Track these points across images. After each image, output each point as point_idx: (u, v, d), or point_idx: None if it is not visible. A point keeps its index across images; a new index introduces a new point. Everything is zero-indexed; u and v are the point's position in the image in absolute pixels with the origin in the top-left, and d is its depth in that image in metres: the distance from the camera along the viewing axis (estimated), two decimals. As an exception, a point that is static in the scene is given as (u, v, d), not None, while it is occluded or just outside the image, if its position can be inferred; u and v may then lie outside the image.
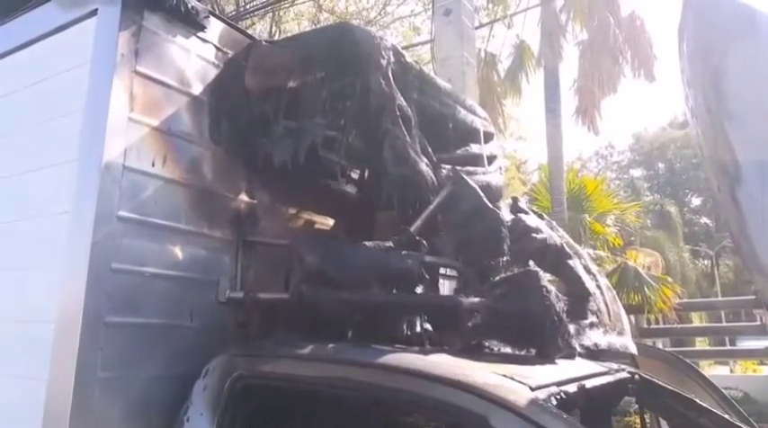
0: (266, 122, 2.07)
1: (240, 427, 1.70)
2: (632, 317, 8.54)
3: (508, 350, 1.90)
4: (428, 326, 2.12)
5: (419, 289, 1.97)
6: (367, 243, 2.03)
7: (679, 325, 9.54)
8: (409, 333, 2.06)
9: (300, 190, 2.28)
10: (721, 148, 1.56)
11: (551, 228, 2.64)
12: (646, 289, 8.39)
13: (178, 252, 1.93)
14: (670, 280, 9.33)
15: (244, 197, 2.18)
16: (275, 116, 2.07)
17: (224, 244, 2.10)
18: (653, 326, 9.13)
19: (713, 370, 12.17)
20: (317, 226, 2.46)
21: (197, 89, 2.05)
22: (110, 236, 1.74)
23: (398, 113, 2.09)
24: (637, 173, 37.41)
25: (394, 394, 1.51)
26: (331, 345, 1.75)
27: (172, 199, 1.91)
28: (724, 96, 1.70)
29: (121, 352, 1.74)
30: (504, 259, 2.02)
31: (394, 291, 1.91)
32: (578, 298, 2.22)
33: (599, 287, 2.51)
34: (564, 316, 1.84)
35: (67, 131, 1.85)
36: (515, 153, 23.23)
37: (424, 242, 2.04)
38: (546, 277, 1.89)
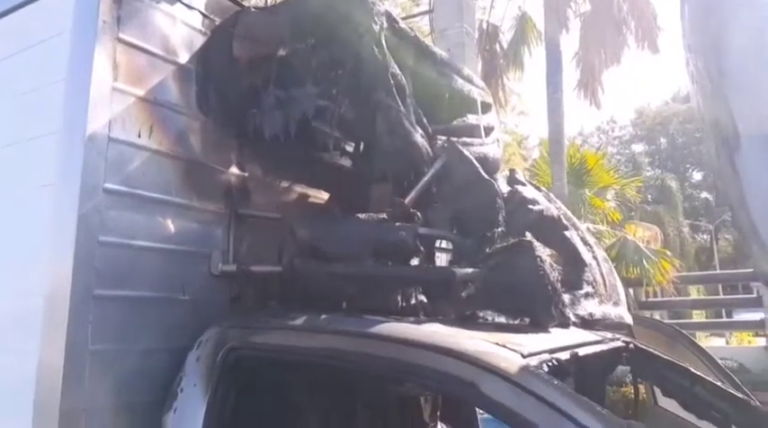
0: (256, 92, 2.03)
1: (233, 398, 1.70)
2: (631, 290, 8.59)
3: (502, 320, 1.89)
4: (422, 298, 2.11)
5: (414, 262, 1.96)
6: (360, 215, 2.01)
7: (677, 298, 9.59)
8: (403, 304, 2.05)
9: (293, 162, 2.25)
10: (721, 115, 1.52)
11: (548, 200, 2.60)
12: (645, 262, 8.42)
13: (168, 225, 1.91)
14: (669, 253, 9.35)
15: (235, 169, 2.14)
16: (265, 86, 2.02)
17: (215, 217, 2.07)
18: (651, 299, 9.18)
19: (709, 342, 12.27)
20: (310, 199, 2.43)
21: (183, 58, 2.00)
22: (96, 208, 1.71)
23: (392, 82, 2.05)
24: (638, 148, 37.20)
25: (386, 363, 1.50)
26: (323, 316, 1.74)
27: (160, 171, 1.88)
28: (725, 61, 1.65)
29: (112, 326, 1.73)
30: (500, 230, 2.00)
31: (388, 264, 1.89)
32: (574, 269, 2.20)
33: (595, 258, 2.49)
34: (558, 285, 1.82)
35: (50, 102, 1.80)
36: (517, 128, 23.09)
37: (419, 214, 2.02)
38: (541, 248, 1.87)
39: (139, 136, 1.82)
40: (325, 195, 2.45)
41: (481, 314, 1.99)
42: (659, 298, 9.35)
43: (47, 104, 1.83)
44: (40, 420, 1.62)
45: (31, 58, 1.94)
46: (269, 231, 2.15)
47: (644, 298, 9.05)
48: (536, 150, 21.02)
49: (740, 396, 2.39)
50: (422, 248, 1.93)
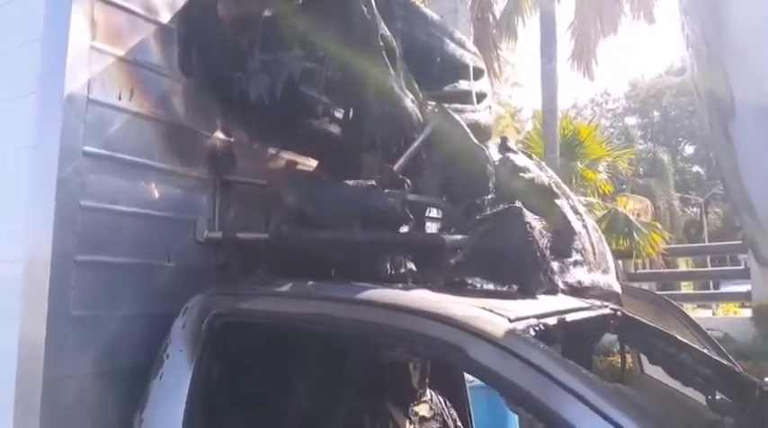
0: (241, 54, 1.97)
1: (220, 364, 1.69)
2: (620, 262, 8.65)
3: (491, 287, 1.88)
4: (411, 266, 2.10)
5: (403, 229, 1.94)
6: (349, 182, 1.97)
7: (665, 270, 9.70)
8: (392, 272, 2.04)
9: (280, 128, 2.20)
10: (717, 80, 1.50)
11: (540, 168, 2.58)
12: (635, 234, 8.48)
13: (151, 190, 1.87)
14: (659, 226, 9.41)
15: (220, 134, 2.09)
16: (250, 47, 1.96)
17: (200, 183, 2.03)
18: (640, 271, 9.27)
19: (696, 314, 12.44)
20: (297, 166, 2.39)
21: (165, 17, 1.92)
22: (76, 172, 1.66)
23: (382, 44, 1.99)
24: (631, 121, 37.12)
25: (373, 328, 1.49)
26: (311, 283, 1.73)
27: (141, 134, 1.83)
28: (723, 26, 1.61)
29: (95, 291, 1.70)
30: (490, 197, 1.98)
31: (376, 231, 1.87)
32: (563, 237, 2.19)
33: (585, 226, 2.48)
34: (547, 252, 1.81)
35: (26, 63, 1.74)
36: (510, 100, 22.92)
37: (408, 180, 1.99)
38: (531, 215, 1.85)
39: (119, 98, 1.77)
40: (312, 162, 2.41)
41: (470, 281, 1.99)
42: (648, 270, 9.45)
43: (23, 65, 1.77)
44: (24, 387, 1.60)
45: (4, 17, 1.87)
46: (255, 198, 2.11)
47: (633, 270, 9.13)
48: (529, 123, 20.90)
49: (725, 363, 2.42)
50: (411, 215, 1.91)
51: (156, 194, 1.88)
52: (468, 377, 3.08)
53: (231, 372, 1.71)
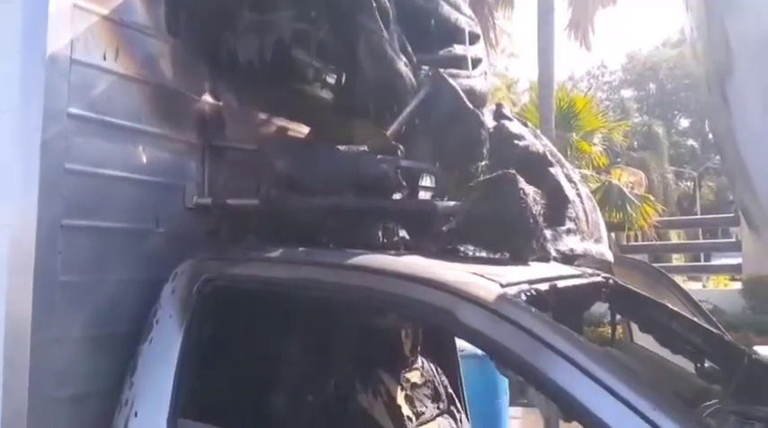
0: (229, 14, 1.90)
1: (210, 329, 1.68)
2: (612, 235, 8.70)
3: (483, 255, 1.87)
4: (403, 234, 2.08)
5: (396, 196, 1.91)
6: (340, 147, 1.94)
7: (657, 242, 9.76)
8: (384, 240, 2.02)
9: (270, 92, 2.15)
10: (715, 36, 1.47)
11: (535, 136, 2.55)
12: (628, 206, 8.49)
13: (138, 154, 1.83)
14: (652, 198, 9.42)
15: (208, 97, 2.04)
16: (239, 7, 1.90)
17: (189, 147, 1.99)
18: (632, 243, 9.32)
19: (687, 286, 12.58)
20: (288, 132, 2.35)
21: (150, -26, 1.86)
22: (61, 134, 1.62)
23: (374, 5, 1.93)
24: (627, 93, 36.92)
25: (363, 293, 1.48)
26: (301, 249, 1.71)
27: (127, 96, 1.78)
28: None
29: (83, 256, 1.68)
30: (484, 164, 1.95)
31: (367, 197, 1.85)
32: (557, 205, 2.17)
33: (579, 195, 2.46)
34: (540, 219, 1.79)
35: (6, 21, 1.68)
36: (507, 71, 22.69)
37: (401, 146, 1.96)
38: (525, 181, 1.83)
39: (104, 58, 1.71)
40: (303, 128, 2.37)
41: (462, 249, 1.98)
42: (640, 243, 9.51)
43: (3, 24, 1.71)
44: (12, 350, 1.60)
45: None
46: (245, 163, 2.08)
47: (625, 243, 9.19)
48: (525, 95, 20.74)
49: (715, 331, 2.44)
50: (403, 182, 1.88)
51: (144, 158, 1.84)
52: (459, 345, 3.11)
53: (221, 338, 1.71)
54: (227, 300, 1.69)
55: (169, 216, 1.91)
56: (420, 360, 2.82)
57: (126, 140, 1.79)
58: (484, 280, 1.41)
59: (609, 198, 8.59)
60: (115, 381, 1.71)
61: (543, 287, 1.53)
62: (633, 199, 8.54)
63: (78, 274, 1.66)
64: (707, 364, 2.29)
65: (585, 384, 1.15)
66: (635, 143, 22.02)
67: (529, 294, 1.42)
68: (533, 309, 1.30)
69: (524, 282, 1.48)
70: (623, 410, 1.10)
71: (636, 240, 9.62)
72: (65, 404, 1.62)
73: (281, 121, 2.32)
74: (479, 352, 4.28)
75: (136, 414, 1.61)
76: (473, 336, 1.31)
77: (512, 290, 1.39)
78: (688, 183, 30.27)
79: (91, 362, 1.69)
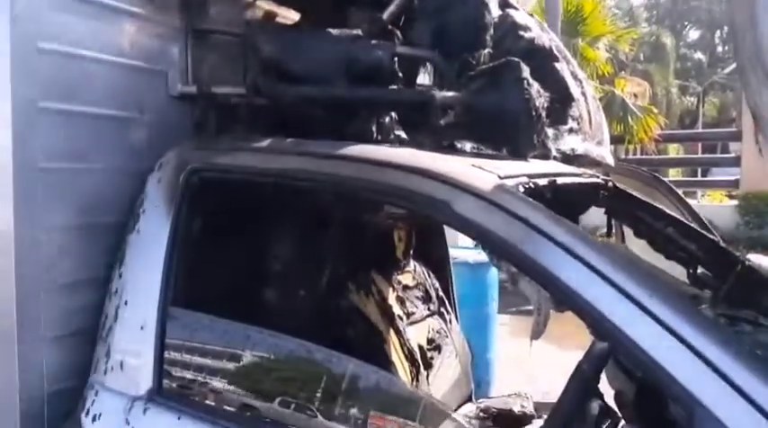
0: None
1: (198, 220, 1.64)
2: (612, 147, 8.58)
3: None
4: (399, 132, 2.00)
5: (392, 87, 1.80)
6: (332, 31, 1.81)
7: (656, 156, 9.69)
8: (378, 135, 1.94)
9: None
10: None
11: (541, 29, 2.39)
12: (629, 118, 8.32)
13: (116, 34, 1.70)
14: (655, 110, 9.23)
15: (190, -24, 1.88)
16: None
17: (171, 31, 1.85)
18: (631, 157, 9.25)
19: (682, 201, 12.64)
20: (277, 16, 2.19)
21: None
22: (33, 7, 1.50)
23: None
24: (637, 1, 35.30)
25: (355, 183, 1.43)
26: (291, 139, 1.64)
27: (103, -30, 1.63)
28: None
29: (64, 142, 1.60)
30: (486, 52, 1.83)
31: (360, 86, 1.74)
32: (561, 103, 2.07)
33: (584, 94, 2.36)
34: (543, 113, 1.71)
35: None
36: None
37: (398, 32, 1.83)
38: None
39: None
40: (293, 12, 2.21)
41: (460, 145, 1.91)
42: (639, 156, 9.43)
43: None
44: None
45: None
46: (231, 49, 1.95)
47: (624, 156, 9.11)
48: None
49: (710, 237, 2.42)
50: (399, 71, 1.77)
51: (122, 40, 1.72)
52: (451, 254, 3.12)
53: (210, 228, 1.67)
54: (215, 191, 1.64)
55: (153, 105, 1.81)
56: (412, 263, 2.83)
57: (102, 18, 1.66)
58: (481, 171, 1.35)
59: (611, 109, 8.38)
60: (104, 271, 1.69)
61: (542, 181, 1.48)
62: (636, 110, 8.35)
63: (59, 162, 1.60)
64: (700, 270, 2.30)
65: (581, 272, 1.12)
66: (641, 55, 21.31)
67: (527, 187, 1.36)
68: (532, 201, 1.25)
69: (523, 176, 1.42)
70: (618, 297, 1.08)
71: (635, 154, 9.54)
72: (53, 293, 1.60)
73: (268, 4, 2.15)
74: (471, 259, 4.37)
75: (126, 303, 1.60)
76: (469, 227, 1.26)
77: (510, 182, 1.33)
78: (691, 99, 29.67)
79: (78, 252, 1.66)
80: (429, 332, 2.71)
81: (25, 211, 1.53)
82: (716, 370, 1.01)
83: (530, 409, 2.59)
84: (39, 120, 1.54)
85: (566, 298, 1.14)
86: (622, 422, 1.55)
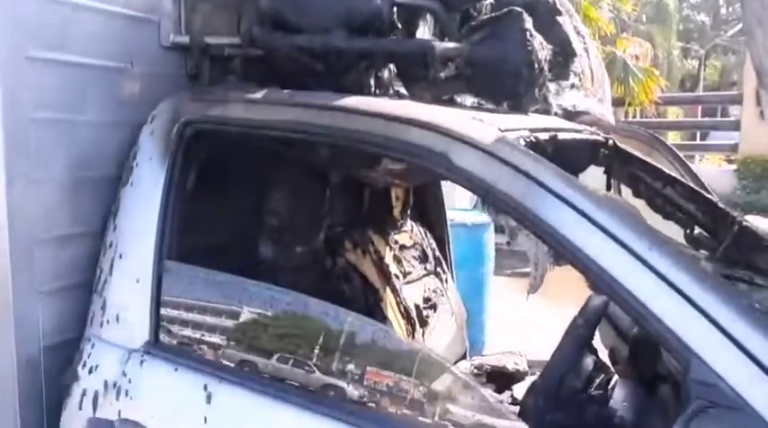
0: None
1: (192, 172, 1.62)
2: (612, 109, 8.50)
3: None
4: (399, 87, 1.95)
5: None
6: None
7: (656, 119, 9.61)
8: (377, 89, 1.89)
9: None
10: None
11: (544, -18, 2.32)
12: (630, 80, 8.21)
13: (104, -21, 1.64)
14: (656, 72, 9.10)
15: None
16: None
17: (162, -22, 1.79)
18: (630, 119, 9.17)
19: (680, 166, 12.61)
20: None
21: None
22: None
23: None
24: (642, -39, 34.40)
25: (352, 135, 1.39)
26: (286, 91, 1.59)
27: None
28: None
29: (54, 93, 1.57)
30: (488, 3, 1.77)
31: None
32: (563, 57, 2.02)
33: (586, 50, 2.30)
34: (546, 66, 1.67)
35: None
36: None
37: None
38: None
39: None
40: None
41: (460, 99, 1.87)
42: (639, 119, 9.35)
43: None
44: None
45: None
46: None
47: (623, 118, 9.02)
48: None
49: (708, 197, 2.41)
50: (398, 21, 1.71)
51: (111, -15, 1.66)
52: (448, 216, 3.11)
53: (205, 181, 1.64)
54: (209, 143, 1.61)
55: (145, 55, 1.76)
56: (410, 223, 2.83)
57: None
58: (482, 124, 1.32)
59: (612, 70, 8.25)
60: (99, 224, 1.68)
61: (543, 136, 1.45)
62: (637, 72, 8.23)
63: (50, 112, 1.56)
64: (696, 231, 2.29)
65: (580, 224, 1.11)
66: (644, 16, 20.87)
67: (528, 141, 1.34)
68: (533, 153, 1.23)
69: (524, 129, 1.39)
70: (617, 250, 1.07)
71: (634, 117, 9.45)
72: (47, 245, 1.59)
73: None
74: (468, 221, 4.36)
75: (121, 256, 1.59)
76: (468, 179, 1.24)
77: (511, 135, 1.30)
78: (693, 62, 29.26)
79: (72, 204, 1.64)
80: (425, 291, 2.72)
81: (17, 163, 1.50)
82: (713, 321, 1.01)
83: (523, 366, 2.62)
84: (28, 69, 1.50)
85: (565, 252, 1.13)
86: (615, 377, 1.56)
